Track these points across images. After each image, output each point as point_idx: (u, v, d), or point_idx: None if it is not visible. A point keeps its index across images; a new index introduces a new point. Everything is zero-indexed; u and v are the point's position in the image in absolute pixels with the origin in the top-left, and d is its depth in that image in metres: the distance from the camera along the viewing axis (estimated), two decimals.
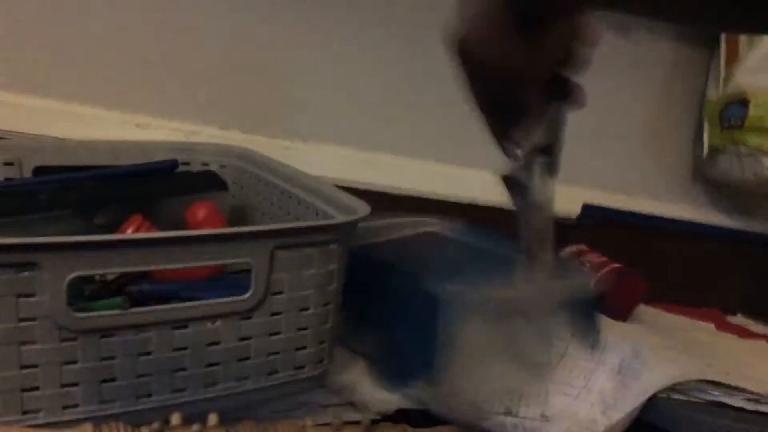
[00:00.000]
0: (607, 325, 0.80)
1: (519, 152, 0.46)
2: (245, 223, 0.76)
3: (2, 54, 0.76)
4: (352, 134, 0.92)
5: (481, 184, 0.94)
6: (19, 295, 0.42)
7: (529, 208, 0.47)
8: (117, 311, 0.46)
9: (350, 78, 0.90)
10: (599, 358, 0.65)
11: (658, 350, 0.71)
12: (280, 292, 0.51)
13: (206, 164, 0.79)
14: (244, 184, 0.77)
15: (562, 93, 0.47)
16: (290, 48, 0.86)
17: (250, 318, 0.50)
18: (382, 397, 0.60)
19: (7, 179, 0.70)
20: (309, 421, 0.52)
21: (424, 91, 0.94)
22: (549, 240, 0.51)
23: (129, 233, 0.60)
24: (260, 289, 0.50)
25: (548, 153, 0.47)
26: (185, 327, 0.48)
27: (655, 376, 0.64)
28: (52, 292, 0.43)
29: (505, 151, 0.47)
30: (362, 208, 0.55)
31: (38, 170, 0.72)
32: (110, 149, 0.75)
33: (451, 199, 0.95)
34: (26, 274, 0.42)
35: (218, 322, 0.49)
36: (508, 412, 0.58)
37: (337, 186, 0.63)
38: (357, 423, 0.54)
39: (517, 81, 0.45)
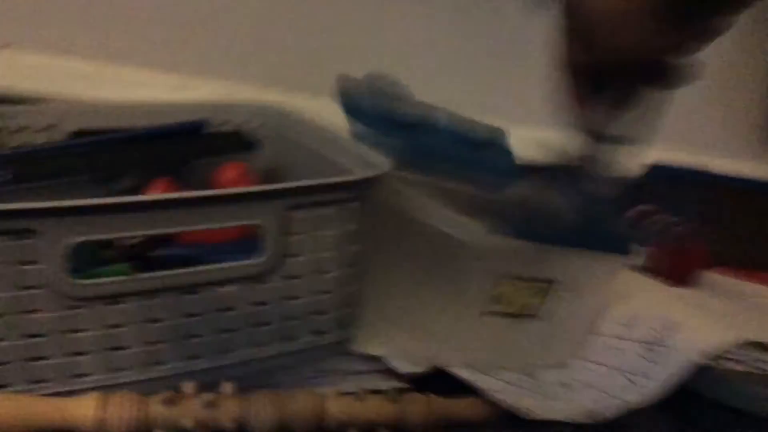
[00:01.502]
0: (661, 290, 0.75)
1: (597, 131, 0.42)
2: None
3: (42, 16, 0.76)
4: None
5: None
6: (20, 263, 0.41)
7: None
8: (121, 278, 0.44)
9: (395, 26, 0.86)
10: (627, 333, 0.59)
11: (713, 316, 0.65)
12: (297, 255, 0.48)
13: (245, 122, 0.76)
14: (280, 144, 0.74)
15: (665, 78, 0.42)
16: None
17: (265, 282, 0.48)
18: (411, 365, 0.57)
19: (44, 144, 0.70)
20: (330, 392, 0.50)
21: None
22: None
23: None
24: (274, 252, 0.47)
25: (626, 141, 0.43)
26: (195, 293, 0.46)
27: (696, 344, 0.58)
28: (51, 260, 0.41)
29: (580, 126, 0.43)
30: (383, 164, 0.51)
31: (76, 134, 0.72)
32: (147, 111, 0.73)
33: None
34: (24, 241, 0.41)
35: (231, 287, 0.47)
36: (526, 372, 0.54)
37: None
38: (381, 392, 0.51)
39: (634, 61, 0.41)
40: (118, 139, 0.65)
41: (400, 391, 0.52)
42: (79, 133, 0.71)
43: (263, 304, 0.49)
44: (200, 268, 0.46)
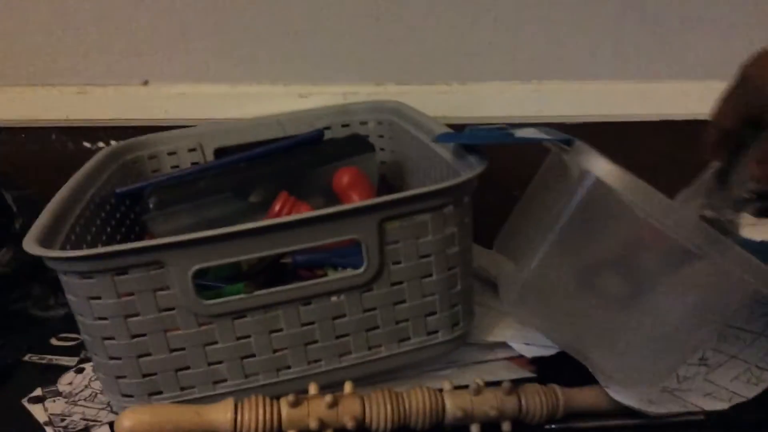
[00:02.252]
0: None
1: (738, 190, 0.44)
2: (399, 179, 0.77)
3: (171, 53, 0.84)
4: (510, 67, 0.86)
5: None
6: (155, 290, 0.48)
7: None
8: (241, 296, 0.49)
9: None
10: None
11: None
12: (398, 262, 0.51)
13: (364, 122, 0.80)
14: (395, 138, 0.77)
15: None
16: None
17: (370, 290, 0.51)
18: (534, 350, 0.57)
19: (192, 164, 0.78)
20: (447, 385, 0.52)
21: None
22: None
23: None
24: (374, 263, 0.50)
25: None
26: (308, 303, 0.50)
27: None
28: (180, 285, 0.47)
29: (721, 181, 0.46)
30: (477, 166, 0.52)
31: (218, 151, 0.79)
32: (276, 123, 0.79)
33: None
34: (155, 271, 0.47)
35: (340, 297, 0.51)
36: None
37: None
38: (498, 384, 0.52)
39: None
40: (249, 157, 0.71)
41: (517, 382, 0.53)
42: (220, 150, 0.79)
43: (372, 309, 0.52)
44: (310, 282, 0.50)
